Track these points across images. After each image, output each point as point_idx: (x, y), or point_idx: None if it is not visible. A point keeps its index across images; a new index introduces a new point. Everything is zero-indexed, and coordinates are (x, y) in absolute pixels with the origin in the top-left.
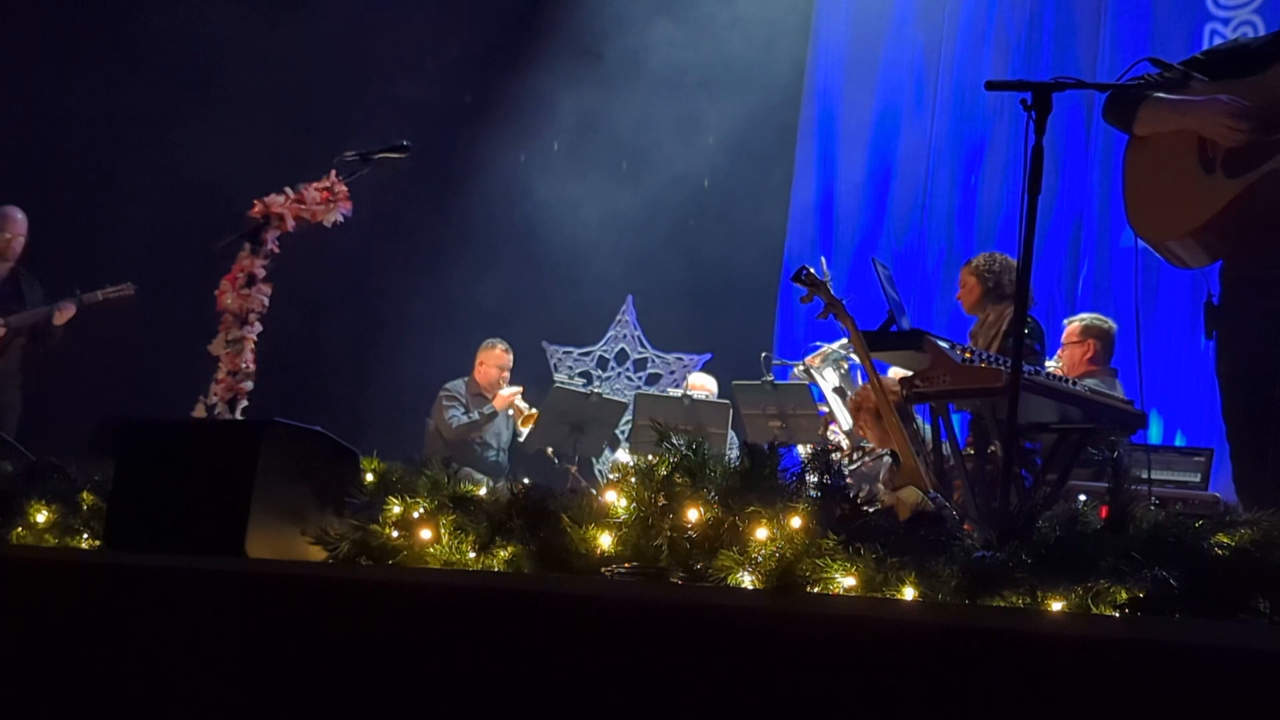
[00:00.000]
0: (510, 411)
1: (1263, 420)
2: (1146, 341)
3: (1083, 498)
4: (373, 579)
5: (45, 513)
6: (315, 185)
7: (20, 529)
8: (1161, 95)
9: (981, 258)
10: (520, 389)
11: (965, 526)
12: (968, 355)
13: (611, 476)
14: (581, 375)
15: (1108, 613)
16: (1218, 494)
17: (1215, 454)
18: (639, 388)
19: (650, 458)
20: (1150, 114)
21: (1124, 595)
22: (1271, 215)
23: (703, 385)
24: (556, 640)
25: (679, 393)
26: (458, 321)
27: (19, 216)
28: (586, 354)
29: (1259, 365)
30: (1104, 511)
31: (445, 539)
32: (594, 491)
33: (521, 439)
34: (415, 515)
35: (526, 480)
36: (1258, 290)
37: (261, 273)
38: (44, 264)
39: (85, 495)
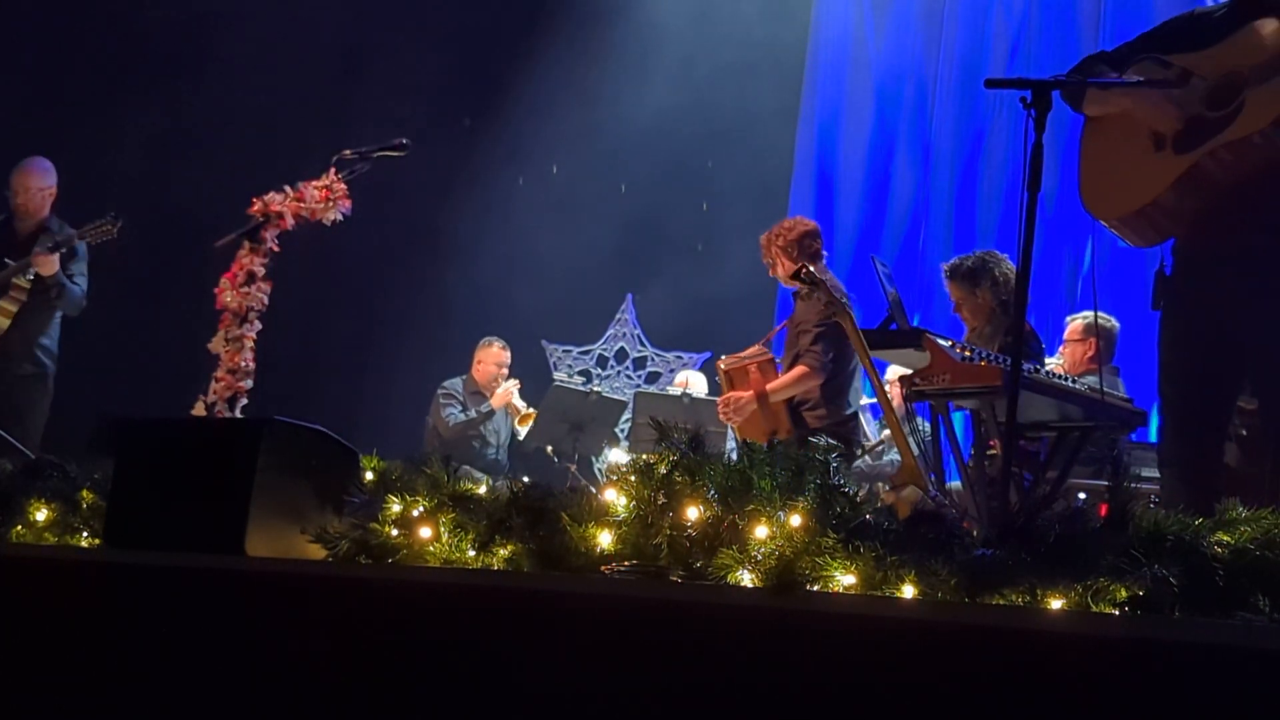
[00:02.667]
0: (508, 409)
1: (1196, 399)
2: (1147, 340)
3: (1082, 495)
4: (372, 577)
5: (45, 511)
6: (315, 183)
7: (20, 527)
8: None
9: (986, 273)
10: (517, 384)
11: (964, 524)
12: (967, 353)
13: (610, 476)
14: (581, 374)
15: (1107, 611)
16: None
17: None
18: (638, 386)
19: (649, 456)
20: (1096, 94)
21: (1124, 593)
22: (1220, 187)
23: (695, 383)
24: (556, 638)
25: (678, 391)
26: (457, 320)
27: (35, 170)
28: (586, 352)
29: (1201, 342)
30: (1103, 509)
31: (445, 537)
32: (593, 490)
33: (520, 438)
34: (415, 513)
35: (526, 478)
36: (1208, 262)
37: (261, 270)
38: None
39: (85, 493)
